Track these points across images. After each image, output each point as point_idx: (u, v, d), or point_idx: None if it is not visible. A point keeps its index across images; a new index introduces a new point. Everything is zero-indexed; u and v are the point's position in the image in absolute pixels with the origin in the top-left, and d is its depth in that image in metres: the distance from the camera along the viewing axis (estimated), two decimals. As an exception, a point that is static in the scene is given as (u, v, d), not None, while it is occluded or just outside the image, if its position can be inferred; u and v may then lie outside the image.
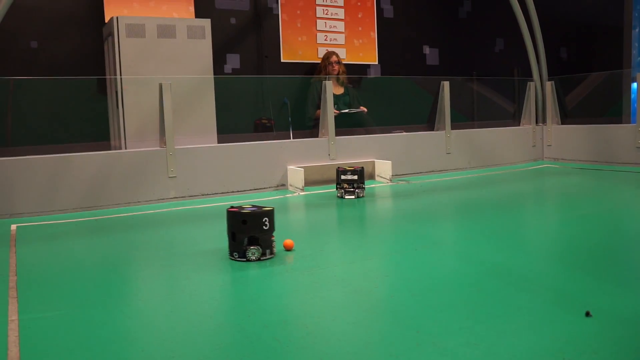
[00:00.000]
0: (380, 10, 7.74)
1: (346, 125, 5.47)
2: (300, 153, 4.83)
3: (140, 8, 5.61)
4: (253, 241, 2.37)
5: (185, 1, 5.93)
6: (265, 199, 4.26)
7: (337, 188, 4.20)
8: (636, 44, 9.63)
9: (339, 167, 4.19)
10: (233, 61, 6.39)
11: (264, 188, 4.61)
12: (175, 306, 1.88)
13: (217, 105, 5.29)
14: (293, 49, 7.00)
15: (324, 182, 4.78)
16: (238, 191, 4.50)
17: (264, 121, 5.91)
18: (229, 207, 2.48)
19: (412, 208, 3.77)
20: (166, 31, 5.06)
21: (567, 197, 4.16)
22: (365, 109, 5.86)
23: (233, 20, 6.36)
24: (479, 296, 1.85)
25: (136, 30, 4.90)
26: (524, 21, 6.48)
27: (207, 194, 4.37)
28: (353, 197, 4.09)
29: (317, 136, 5.04)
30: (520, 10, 6.45)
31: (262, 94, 6.31)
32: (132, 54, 4.89)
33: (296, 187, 4.54)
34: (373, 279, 2.11)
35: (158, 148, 4.31)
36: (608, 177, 4.92)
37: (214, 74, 5.45)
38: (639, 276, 2.08)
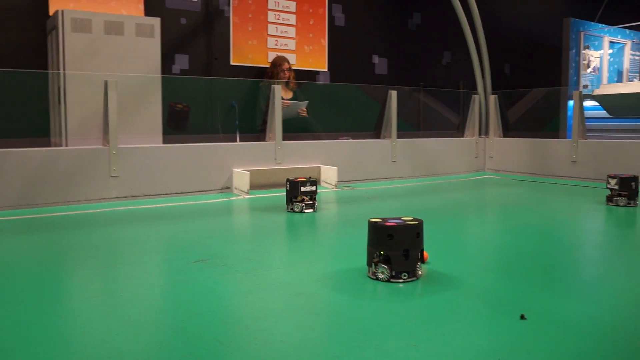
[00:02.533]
0: (331, 18, 7.80)
1: (294, 130, 5.48)
2: (247, 156, 4.80)
3: (87, 2, 5.47)
4: (388, 259, 2.05)
5: (134, -2, 5.82)
6: (209, 202, 4.22)
7: (292, 202, 3.67)
8: (572, 64, 10.04)
9: (293, 179, 3.66)
10: (182, 62, 6.31)
11: (209, 190, 4.56)
12: (114, 307, 1.84)
13: (163, 105, 5.20)
14: (243, 53, 6.97)
15: (270, 186, 4.77)
16: (182, 193, 4.43)
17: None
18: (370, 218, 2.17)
19: (357, 214, 3.80)
20: (114, 28, 4.95)
21: (506, 207, 4.28)
22: (305, 110, 5.86)
23: (183, 20, 6.28)
24: (420, 300, 1.89)
25: (82, 25, 4.78)
26: (470, 36, 6.66)
27: (150, 195, 4.29)
28: (312, 210, 3.66)
29: (264, 140, 5.03)
30: (468, 26, 6.63)
31: (210, 96, 6.25)
32: (77, 50, 4.76)
33: (241, 190, 4.51)
34: (314, 282, 2.11)
35: (101, 146, 4.20)
36: (545, 189, 5.09)
37: (162, 73, 5.37)
38: (570, 281, 2.16)
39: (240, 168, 4.67)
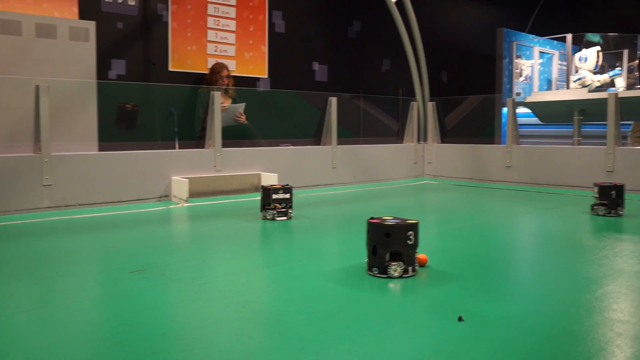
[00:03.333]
0: (272, 25, 7.79)
1: (234, 137, 5.43)
2: (186, 164, 4.73)
3: (17, 3, 5.27)
4: (395, 256, 2.16)
5: (68, 1, 5.65)
6: (147, 210, 4.12)
7: (264, 210, 3.64)
8: (506, 72, 10.38)
9: (266, 186, 3.64)
10: (118, 67, 6.15)
11: (147, 199, 4.46)
12: (47, 320, 1.76)
13: (99, 112, 5.06)
14: (182, 58, 6.87)
15: (210, 193, 4.71)
16: (119, 201, 4.32)
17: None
18: (369, 218, 2.29)
19: (297, 221, 3.79)
20: (46, 31, 4.78)
21: (444, 211, 4.37)
22: (244, 116, 5.82)
23: (120, 25, 6.13)
24: (360, 305, 1.90)
25: (11, 27, 4.59)
26: (409, 45, 6.79)
27: (85, 204, 4.15)
28: (285, 218, 3.62)
29: (203, 147, 4.97)
30: (406, 34, 6.76)
31: (148, 102, 6.12)
32: (6, 52, 4.57)
33: (180, 199, 4.43)
34: (256, 290, 2.09)
35: (32, 154, 4.04)
36: (481, 193, 5.23)
37: (98, 79, 5.22)
38: (506, 283, 2.22)
39: (179, 176, 4.59)
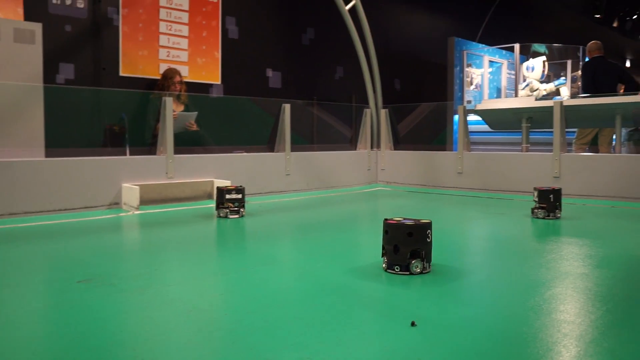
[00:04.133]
0: (225, 31, 7.75)
1: (186, 143, 5.36)
2: (137, 170, 4.63)
3: (-43, 5, 5.09)
4: (415, 254, 2.32)
5: (13, 1, 5.48)
6: (96, 218, 4.02)
7: (218, 208, 3.97)
8: (457, 81, 10.60)
9: (220, 187, 3.98)
10: (67, 71, 6.00)
11: (96, 206, 4.35)
12: (-15, 333, 1.69)
13: (46, 116, 4.91)
14: (133, 63, 6.76)
15: (161, 201, 4.63)
16: (67, 209, 4.19)
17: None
18: (385, 218, 2.45)
19: (251, 227, 3.77)
20: (-12, 33, 4.63)
21: (397, 217, 4.41)
22: (194, 124, 5.76)
23: (68, 28, 5.99)
24: (314, 312, 1.89)
25: (-49, 29, 4.43)
26: (362, 52, 6.85)
27: (31, 212, 4.02)
28: (237, 216, 3.96)
29: (155, 154, 4.88)
30: (359, 42, 6.82)
31: (98, 107, 5.99)
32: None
33: (131, 206, 4.34)
34: (208, 298, 2.06)
35: (-27, 160, 3.89)
36: (433, 199, 5.30)
37: (45, 82, 5.07)
38: (458, 287, 2.25)
39: (130, 183, 4.50)
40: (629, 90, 7.20)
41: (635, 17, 14.81)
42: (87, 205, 4.31)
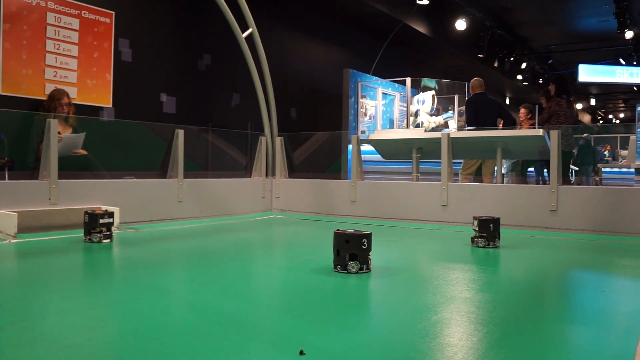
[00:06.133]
0: (117, 53, 7.52)
1: (72, 167, 5.08)
2: (16, 196, 4.34)
3: None
4: (353, 257, 2.91)
5: None
6: (-34, 247, 3.70)
7: (90, 233, 3.93)
8: (352, 111, 10.89)
9: (91, 211, 3.96)
10: (-62, 88, 5.56)
11: (-33, 234, 4.01)
12: None
13: None
14: (15, 82, 6.39)
15: (43, 228, 4.35)
16: None
17: (1, 161, 5.18)
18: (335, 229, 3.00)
19: (140, 256, 3.62)
20: None
21: (290, 245, 4.41)
22: (81, 150, 5.50)
23: (-60, 42, 5.56)
24: (200, 343, 1.82)
25: None
26: (258, 80, 6.87)
27: None
28: (109, 240, 3.96)
29: (37, 178, 4.59)
30: (256, 70, 6.84)
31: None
32: None
33: (7, 234, 4.04)
34: (87, 331, 1.93)
35: None
36: (327, 227, 5.35)
37: None
38: (348, 314, 2.26)
39: (8, 209, 4.19)
40: (507, 125, 7.71)
41: (512, 59, 15.96)
42: (-43, 233, 3.96)
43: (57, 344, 1.78)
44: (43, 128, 4.73)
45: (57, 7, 6.81)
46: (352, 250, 2.91)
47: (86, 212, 3.97)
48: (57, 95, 5.86)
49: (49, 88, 6.45)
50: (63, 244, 3.94)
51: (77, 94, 6.98)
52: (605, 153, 13.49)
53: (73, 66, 7.02)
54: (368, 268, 2.94)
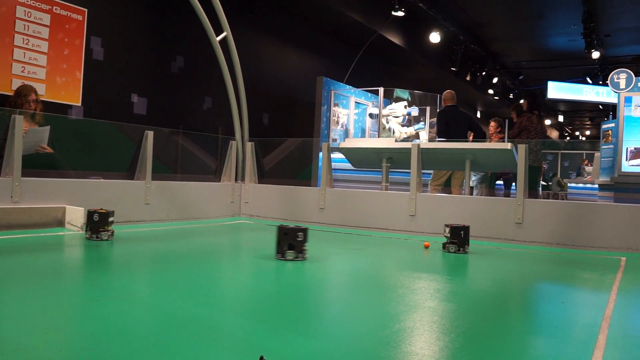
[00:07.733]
0: (89, 51, 7.42)
1: (36, 165, 4.98)
2: (-23, 193, 4.23)
3: None
4: (291, 247, 3.55)
5: None
6: None
7: (98, 232, 4.08)
8: (324, 119, 10.91)
9: (92, 209, 4.11)
10: None
11: None
12: None
13: None
14: (-19, 77, 6.24)
15: (4, 227, 4.24)
16: None
17: None
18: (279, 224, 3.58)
19: (104, 258, 3.55)
20: None
21: (256, 251, 4.38)
22: (47, 147, 5.38)
23: None
24: (159, 348, 1.79)
25: None
26: (231, 85, 6.84)
27: None
28: (106, 238, 4.09)
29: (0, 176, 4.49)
30: (229, 75, 6.80)
31: None
32: None
33: (-34, 231, 3.94)
34: (42, 334, 1.88)
35: None
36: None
37: None
38: (311, 321, 2.25)
39: (-33, 206, 4.09)
40: (477, 138, 7.80)
41: (484, 73, 16.20)
42: None
43: (11, 346, 1.73)
44: (8, 124, 4.63)
45: (27, 2, 6.69)
46: (289, 242, 3.53)
47: (95, 211, 4.08)
48: (24, 92, 5.73)
49: (16, 84, 6.33)
50: (26, 244, 3.85)
51: (45, 90, 6.85)
52: (584, 167, 13.67)
53: (42, 62, 6.90)
54: (304, 257, 3.56)
